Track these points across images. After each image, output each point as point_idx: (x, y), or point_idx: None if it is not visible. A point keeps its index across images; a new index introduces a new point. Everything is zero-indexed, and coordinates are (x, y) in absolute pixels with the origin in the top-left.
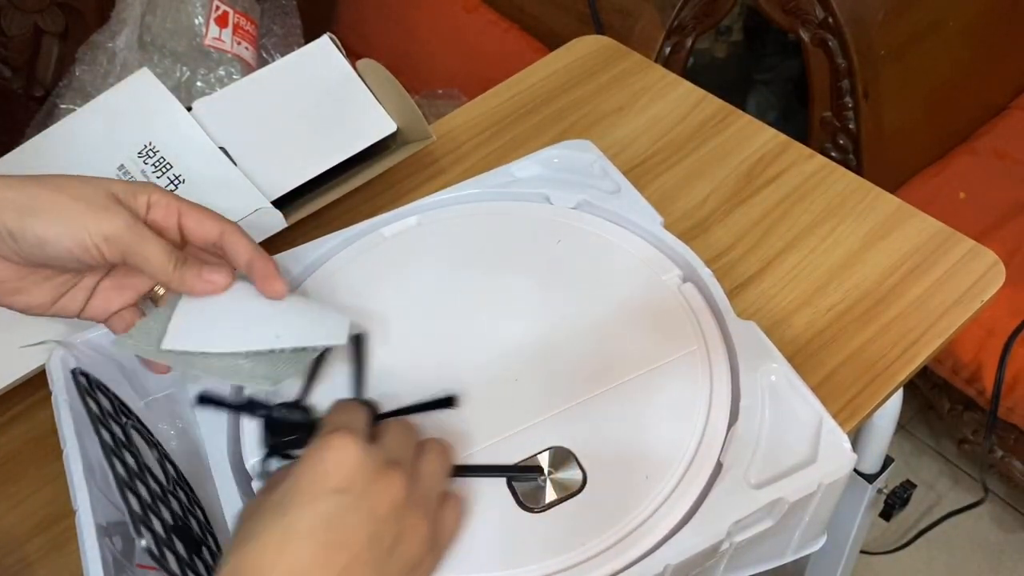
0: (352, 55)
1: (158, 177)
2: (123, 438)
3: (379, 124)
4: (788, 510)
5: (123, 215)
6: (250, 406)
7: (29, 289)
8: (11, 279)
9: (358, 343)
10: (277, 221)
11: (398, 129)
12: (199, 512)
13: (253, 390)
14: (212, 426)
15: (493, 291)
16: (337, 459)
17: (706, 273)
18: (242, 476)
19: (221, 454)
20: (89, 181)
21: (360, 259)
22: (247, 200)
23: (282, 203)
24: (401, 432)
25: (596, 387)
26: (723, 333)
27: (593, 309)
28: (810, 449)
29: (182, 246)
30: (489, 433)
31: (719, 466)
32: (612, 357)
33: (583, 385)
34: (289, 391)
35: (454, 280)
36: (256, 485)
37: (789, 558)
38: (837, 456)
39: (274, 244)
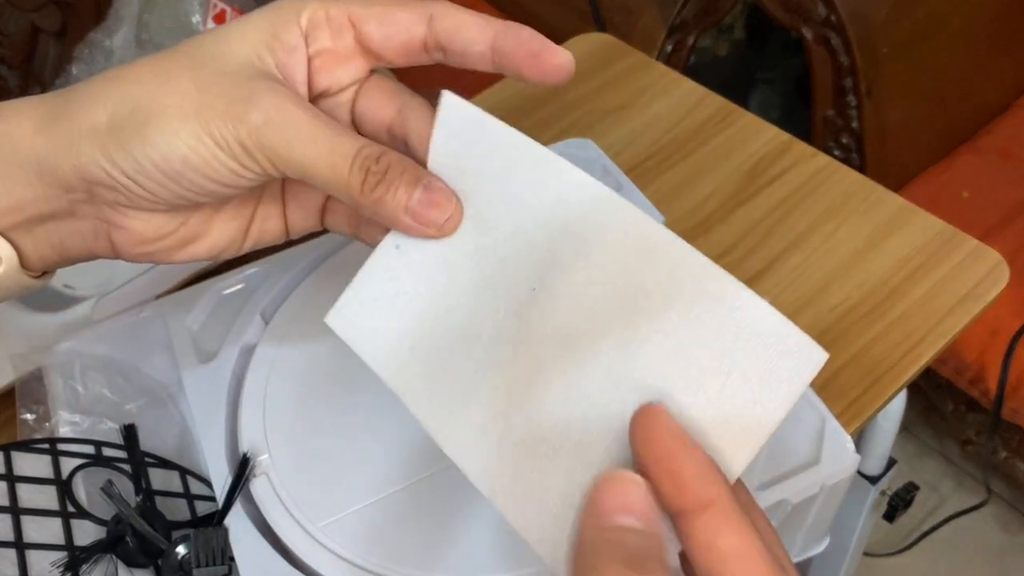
0: None
1: None
2: None
3: None
4: (791, 512)
5: (271, 94)
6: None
7: (203, 230)
8: (158, 231)
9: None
10: None
11: None
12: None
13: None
14: (208, 425)
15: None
16: None
17: None
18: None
19: (219, 453)
20: (226, 48)
21: (360, 259)
22: None
23: None
24: None
25: None
26: None
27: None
28: (813, 451)
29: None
30: None
31: None
32: None
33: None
34: None
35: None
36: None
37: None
38: (840, 457)
39: (274, 246)
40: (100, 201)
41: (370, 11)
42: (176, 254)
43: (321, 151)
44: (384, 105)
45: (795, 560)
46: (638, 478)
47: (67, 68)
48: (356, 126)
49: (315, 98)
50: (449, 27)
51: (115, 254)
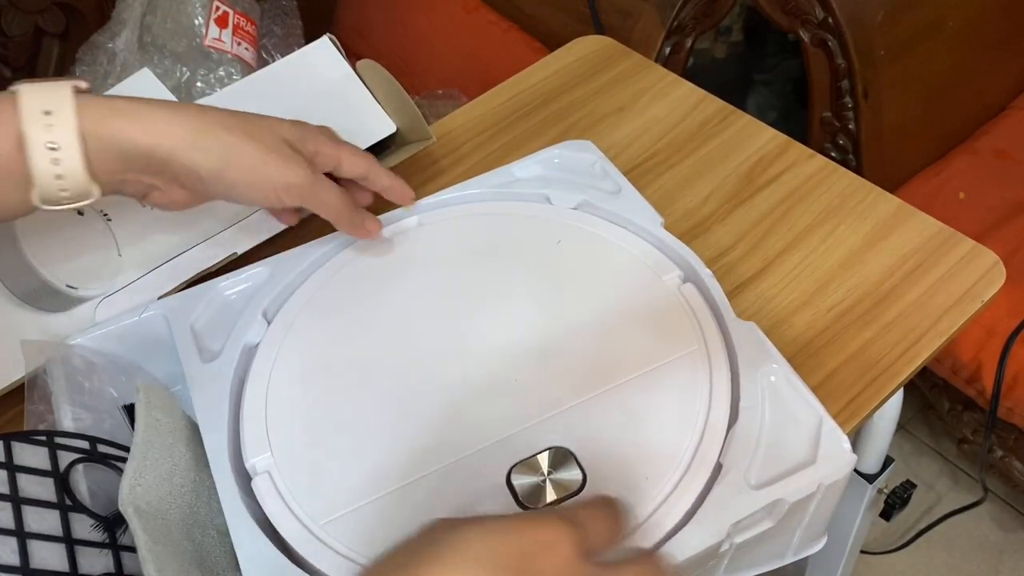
0: (352, 55)
1: None
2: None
3: (379, 125)
4: (788, 511)
5: (303, 167)
6: None
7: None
8: (183, 202)
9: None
10: (278, 222)
11: (398, 130)
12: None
13: None
14: (211, 423)
15: (494, 292)
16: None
17: (706, 273)
18: (241, 476)
19: (222, 451)
20: (266, 126)
21: (360, 259)
22: None
23: None
24: (612, 537)
25: (596, 387)
26: (723, 334)
27: (594, 309)
28: (810, 450)
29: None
30: (489, 434)
31: (719, 467)
32: (612, 357)
33: (583, 385)
34: None
35: (454, 280)
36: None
37: (789, 559)
38: (837, 457)
39: (275, 244)
40: (162, 177)
41: (347, 151)
42: (177, 209)
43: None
44: (360, 167)
45: (793, 559)
46: None
47: (70, 70)
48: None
49: None
50: (371, 176)
51: (142, 201)
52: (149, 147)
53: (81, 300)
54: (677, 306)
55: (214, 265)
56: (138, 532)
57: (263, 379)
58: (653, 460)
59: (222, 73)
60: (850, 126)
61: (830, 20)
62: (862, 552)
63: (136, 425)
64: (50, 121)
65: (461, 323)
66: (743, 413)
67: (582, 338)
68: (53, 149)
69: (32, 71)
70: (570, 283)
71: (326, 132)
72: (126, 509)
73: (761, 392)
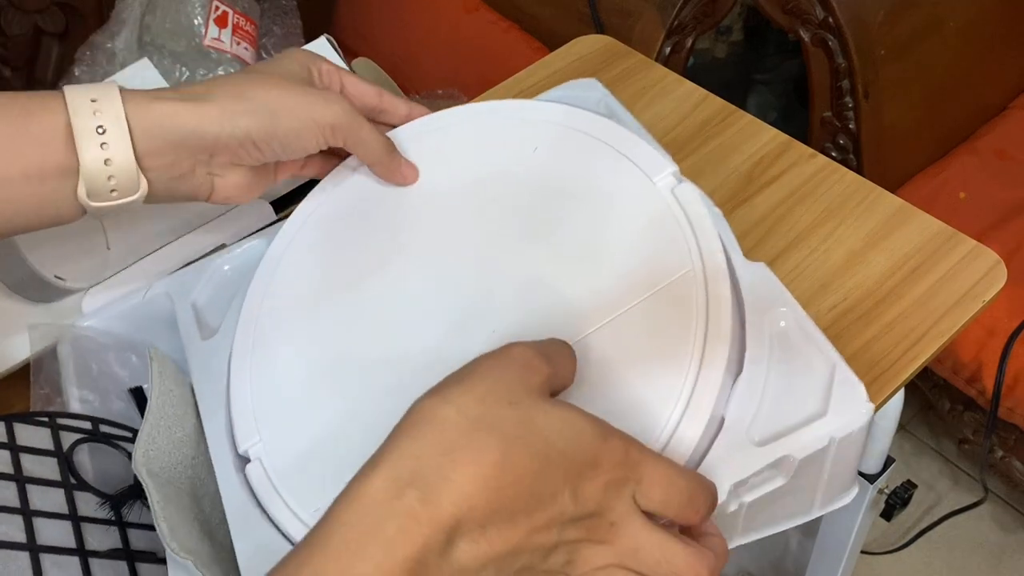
0: (352, 55)
1: None
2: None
3: None
4: (799, 467)
5: (340, 101)
6: None
7: (259, 183)
8: (246, 186)
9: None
10: (265, 213)
11: None
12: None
13: None
14: (210, 402)
15: (470, 228)
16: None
17: (715, 212)
18: (239, 456)
19: (220, 430)
20: (281, 66)
21: (324, 205)
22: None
23: (280, 206)
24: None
25: (580, 331)
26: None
27: (578, 233)
28: (821, 401)
29: None
30: None
31: (721, 421)
32: (597, 291)
33: (565, 334)
34: None
35: (429, 217)
36: (251, 468)
37: (816, 513)
38: (851, 407)
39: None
40: (216, 161)
41: (349, 77)
42: (242, 197)
43: (376, 143)
44: (368, 92)
45: (820, 513)
46: None
47: (69, 70)
48: None
49: None
50: (386, 106)
51: (209, 198)
52: (194, 127)
53: (69, 292)
54: (670, 215)
55: (202, 256)
56: (151, 493)
57: (247, 357)
58: (640, 412)
59: (221, 73)
60: (850, 126)
61: (830, 20)
62: (862, 552)
63: (151, 392)
64: (97, 107)
65: (440, 270)
66: (748, 364)
67: (564, 273)
68: (101, 132)
69: (32, 71)
70: (551, 204)
71: (326, 60)
72: (139, 471)
73: (769, 339)
